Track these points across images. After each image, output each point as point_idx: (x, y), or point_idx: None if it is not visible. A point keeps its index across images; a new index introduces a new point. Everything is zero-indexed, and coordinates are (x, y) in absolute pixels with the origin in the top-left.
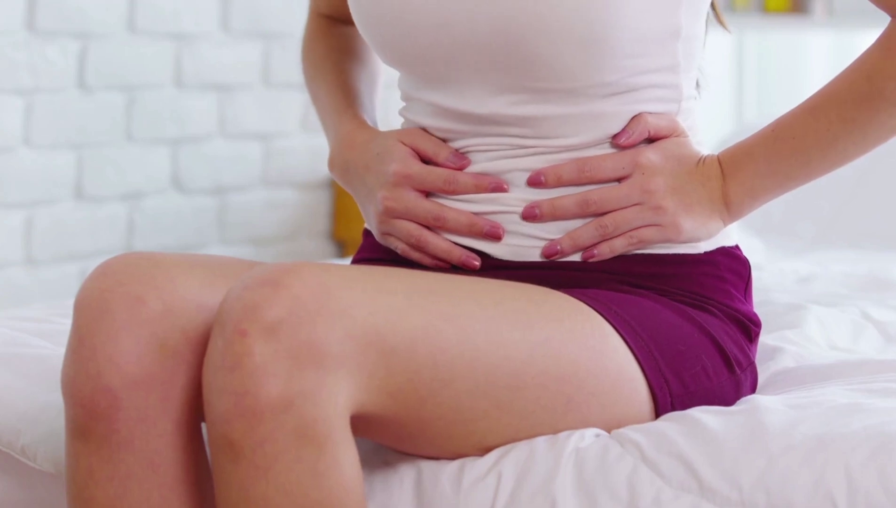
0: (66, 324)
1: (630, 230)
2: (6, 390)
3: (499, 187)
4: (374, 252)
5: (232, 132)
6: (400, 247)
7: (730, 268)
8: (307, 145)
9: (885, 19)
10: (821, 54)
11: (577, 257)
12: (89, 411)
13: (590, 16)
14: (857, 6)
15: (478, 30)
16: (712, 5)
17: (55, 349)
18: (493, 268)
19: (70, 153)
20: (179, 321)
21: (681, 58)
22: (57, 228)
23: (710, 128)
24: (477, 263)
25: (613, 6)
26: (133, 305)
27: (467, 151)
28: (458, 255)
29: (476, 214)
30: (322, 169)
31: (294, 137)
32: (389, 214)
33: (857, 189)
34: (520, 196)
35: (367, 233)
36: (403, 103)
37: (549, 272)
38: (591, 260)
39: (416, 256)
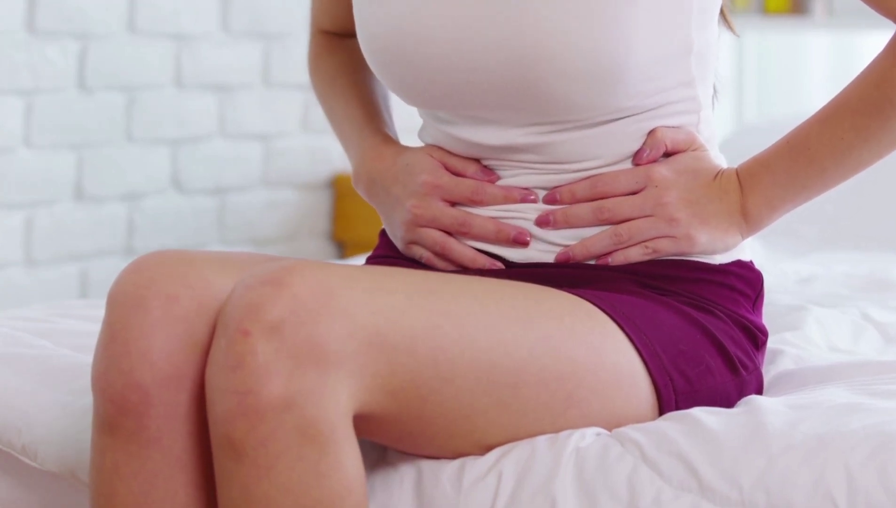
0: (65, 324)
1: (645, 241)
2: (6, 390)
3: (527, 198)
4: (389, 250)
5: (232, 132)
6: (425, 256)
7: (742, 279)
8: (307, 146)
9: (886, 20)
10: (821, 55)
11: (590, 261)
12: (119, 406)
13: (604, 54)
14: (857, 7)
15: (494, 74)
16: (721, 10)
17: (55, 349)
18: (504, 268)
19: (70, 153)
20: (212, 319)
21: (695, 71)
22: (57, 228)
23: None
24: (499, 266)
25: (627, 42)
26: (167, 302)
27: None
28: (482, 262)
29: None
30: (322, 170)
31: (294, 137)
32: (417, 222)
33: (860, 190)
34: (536, 207)
35: (382, 233)
36: (420, 123)
37: (557, 271)
38: (605, 266)
39: (440, 264)
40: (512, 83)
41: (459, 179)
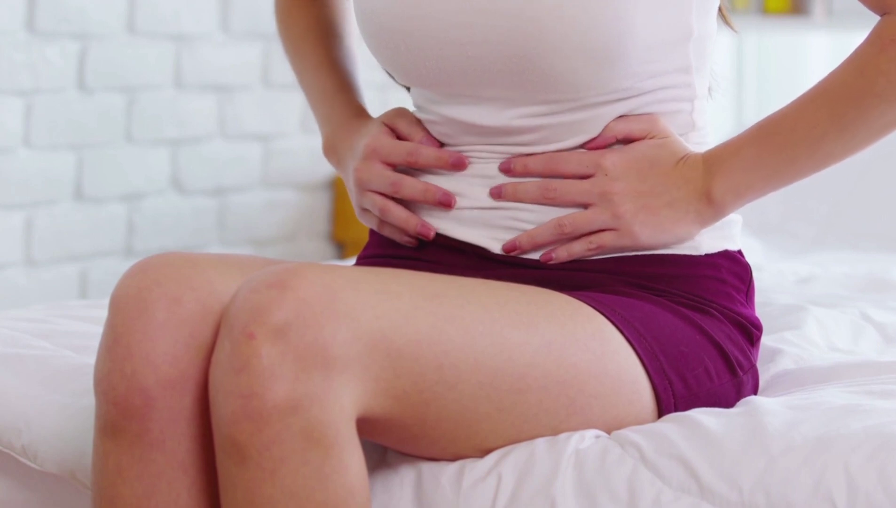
0: (65, 325)
1: (588, 234)
2: (6, 390)
3: (459, 163)
4: (378, 248)
5: (232, 133)
6: (374, 222)
7: (731, 271)
8: (307, 146)
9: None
10: (820, 55)
11: (534, 255)
12: (122, 410)
13: (604, 32)
14: (857, 7)
15: (493, 50)
16: (719, 8)
17: (55, 350)
18: (496, 267)
19: (70, 154)
20: (216, 321)
21: (693, 58)
22: (56, 228)
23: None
24: (432, 233)
25: (626, 20)
26: (170, 305)
27: (470, 155)
28: (415, 224)
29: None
30: (322, 170)
31: (294, 137)
32: (360, 185)
33: (855, 189)
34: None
35: (373, 230)
36: (414, 108)
37: (550, 272)
38: (549, 263)
39: (387, 230)
40: (510, 60)
41: (398, 141)
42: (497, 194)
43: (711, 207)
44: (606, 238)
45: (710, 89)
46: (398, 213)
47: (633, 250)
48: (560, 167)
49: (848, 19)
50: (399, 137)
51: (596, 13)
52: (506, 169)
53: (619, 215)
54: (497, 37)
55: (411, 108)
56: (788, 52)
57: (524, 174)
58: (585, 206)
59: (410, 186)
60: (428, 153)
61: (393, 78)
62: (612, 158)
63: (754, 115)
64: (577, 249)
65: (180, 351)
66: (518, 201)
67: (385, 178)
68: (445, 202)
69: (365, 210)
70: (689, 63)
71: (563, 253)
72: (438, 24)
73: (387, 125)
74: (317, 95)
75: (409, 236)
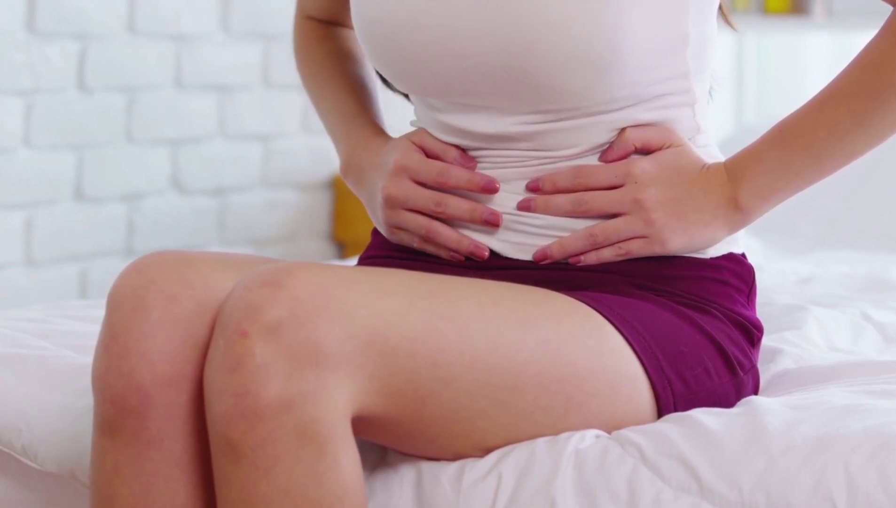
0: (65, 325)
1: (619, 241)
2: (6, 390)
3: (490, 186)
4: (381, 250)
5: (232, 133)
6: (416, 242)
7: (734, 273)
8: (307, 146)
9: (885, 18)
10: (820, 55)
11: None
12: (120, 408)
13: (598, 40)
14: (857, 7)
15: (490, 61)
16: (720, 6)
17: (55, 350)
18: (499, 268)
19: (70, 154)
20: (212, 319)
21: (691, 63)
22: (56, 228)
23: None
24: (486, 253)
25: (622, 29)
26: (167, 303)
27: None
28: (467, 245)
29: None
30: (322, 170)
31: (294, 137)
32: (390, 203)
33: (858, 190)
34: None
35: (375, 232)
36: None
37: (552, 273)
38: (577, 264)
39: (430, 248)
40: (506, 70)
41: (428, 160)
42: (526, 207)
43: (739, 212)
44: (635, 246)
45: (710, 91)
46: (448, 233)
47: (660, 255)
48: (589, 181)
49: (848, 19)
50: (428, 155)
51: (591, 24)
52: (534, 188)
53: (651, 222)
54: (494, 48)
55: (411, 115)
56: (788, 52)
57: (553, 192)
58: (617, 215)
59: (456, 205)
60: (459, 175)
61: (390, 86)
62: (643, 166)
63: (754, 115)
64: (606, 254)
65: (177, 349)
66: (550, 214)
67: (426, 197)
68: (493, 221)
69: (397, 228)
70: (687, 69)
71: (592, 257)
72: (435, 35)
73: (414, 143)
74: (335, 117)
75: (460, 254)
